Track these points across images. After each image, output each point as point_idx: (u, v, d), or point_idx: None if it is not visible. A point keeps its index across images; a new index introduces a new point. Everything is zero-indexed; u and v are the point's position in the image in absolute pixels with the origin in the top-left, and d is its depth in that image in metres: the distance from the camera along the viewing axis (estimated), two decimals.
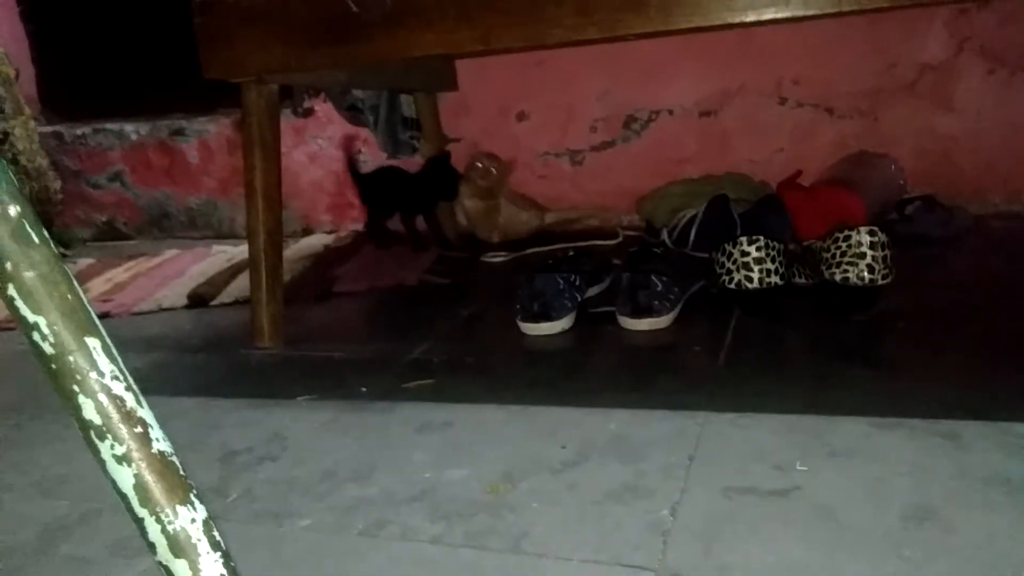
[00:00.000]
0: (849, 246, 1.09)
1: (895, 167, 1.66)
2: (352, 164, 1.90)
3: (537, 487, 0.75)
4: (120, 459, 0.43)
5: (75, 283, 0.45)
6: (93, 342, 0.44)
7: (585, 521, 0.68)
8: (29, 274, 0.43)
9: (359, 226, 2.18)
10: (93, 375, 0.43)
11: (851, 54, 1.72)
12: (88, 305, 0.45)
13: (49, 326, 0.43)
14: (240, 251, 1.89)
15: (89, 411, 0.43)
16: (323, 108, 2.11)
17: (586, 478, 0.76)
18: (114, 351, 0.45)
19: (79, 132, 2.42)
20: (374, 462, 0.83)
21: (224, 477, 0.83)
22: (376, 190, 1.85)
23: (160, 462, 0.44)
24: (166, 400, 1.07)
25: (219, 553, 0.45)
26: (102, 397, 0.43)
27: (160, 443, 0.45)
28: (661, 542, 0.64)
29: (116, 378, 0.44)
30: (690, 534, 0.65)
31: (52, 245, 0.44)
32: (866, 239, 1.08)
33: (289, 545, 0.70)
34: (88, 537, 0.74)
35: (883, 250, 1.08)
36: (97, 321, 0.45)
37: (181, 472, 0.45)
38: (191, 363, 1.24)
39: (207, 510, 0.46)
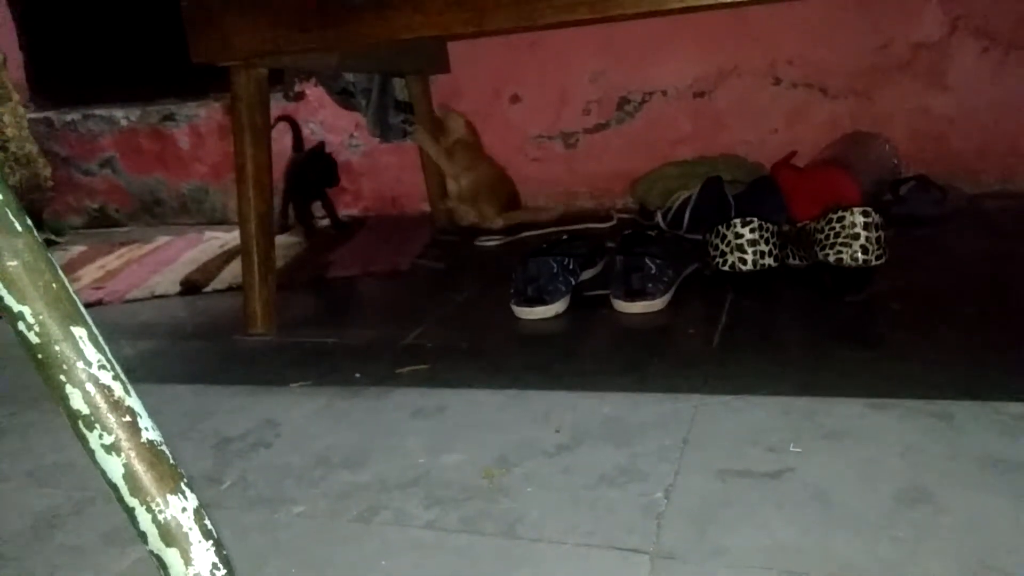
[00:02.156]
0: (843, 227, 1.09)
1: (889, 147, 1.65)
2: (298, 135, 1.99)
3: (532, 471, 0.75)
4: (109, 449, 0.43)
5: (60, 271, 0.45)
6: (79, 331, 0.44)
7: (579, 505, 0.68)
8: (13, 263, 0.42)
9: (353, 211, 2.17)
10: (80, 364, 0.43)
11: (845, 34, 1.71)
12: (73, 294, 0.45)
13: (34, 315, 0.42)
14: (233, 237, 1.88)
15: (76, 401, 0.43)
16: (314, 92, 2.10)
17: (580, 462, 0.76)
18: (101, 340, 0.45)
19: (69, 118, 2.40)
20: (368, 448, 0.83)
21: (218, 464, 0.83)
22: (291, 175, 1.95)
23: (149, 451, 0.44)
24: (159, 387, 1.07)
25: (211, 541, 0.45)
26: (89, 387, 0.43)
27: (149, 432, 0.44)
28: (655, 525, 0.64)
29: (103, 367, 0.44)
30: (684, 517, 0.65)
31: (35, 233, 0.44)
32: (860, 220, 1.08)
33: (283, 532, 0.70)
34: (82, 526, 0.74)
35: (877, 231, 1.08)
36: (83, 310, 0.45)
37: (171, 461, 0.45)
38: (184, 350, 1.23)
39: (198, 498, 0.46)
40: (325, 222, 2.01)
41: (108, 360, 0.44)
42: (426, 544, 0.66)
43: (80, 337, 0.43)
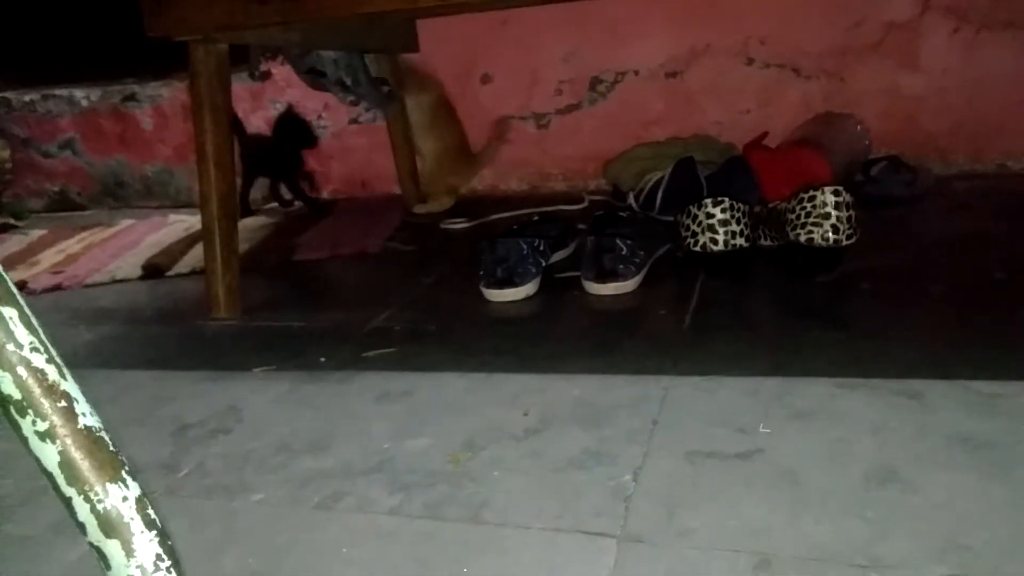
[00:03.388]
0: (814, 206, 1.08)
1: (860, 127, 1.65)
2: (239, 125, 1.90)
3: (499, 455, 0.73)
4: (43, 436, 0.41)
5: None
6: (9, 312, 0.41)
7: (546, 489, 0.67)
8: None
9: (323, 193, 2.13)
10: (10, 347, 0.40)
11: (817, 13, 1.70)
12: (3, 273, 0.42)
13: None
14: (199, 220, 1.83)
15: (7, 385, 0.40)
16: (280, 71, 2.05)
17: (548, 445, 0.74)
18: (34, 321, 0.42)
19: (27, 98, 2.32)
20: (332, 433, 0.81)
21: (176, 451, 0.80)
22: (249, 157, 1.89)
23: (87, 438, 0.41)
24: (118, 373, 1.03)
25: (154, 532, 0.43)
26: (21, 370, 0.40)
27: (87, 417, 0.42)
28: (623, 508, 0.63)
29: (36, 350, 0.41)
30: (652, 499, 0.64)
31: None
32: (831, 199, 1.07)
33: (242, 520, 0.68)
34: (31, 516, 0.71)
35: (847, 210, 1.07)
36: (14, 290, 0.42)
37: (111, 448, 0.43)
38: (144, 335, 1.20)
39: (151, 486, 0.44)
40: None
41: (42, 342, 0.42)
42: (389, 530, 0.64)
43: (10, 318, 0.41)
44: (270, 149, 1.92)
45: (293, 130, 1.91)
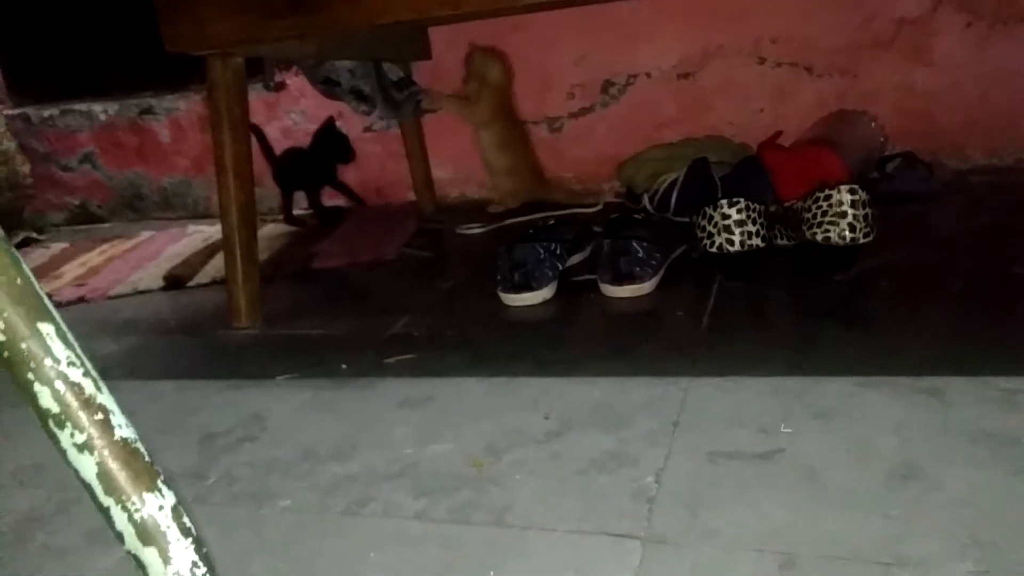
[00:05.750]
0: (830, 205, 1.08)
1: (875, 124, 1.64)
2: (265, 143, 1.95)
3: (521, 459, 0.74)
4: (81, 447, 0.42)
5: (25, 266, 0.43)
6: (47, 327, 0.42)
7: (569, 491, 0.68)
8: None
9: (339, 202, 2.15)
10: (48, 361, 0.42)
11: (829, 10, 1.70)
12: (40, 290, 0.43)
13: None
14: (217, 231, 1.84)
15: (46, 399, 0.41)
16: (295, 82, 2.07)
17: (570, 448, 0.75)
18: (70, 336, 0.43)
19: (46, 114, 2.36)
20: (355, 440, 0.82)
21: (203, 460, 0.82)
22: (285, 172, 1.93)
23: (123, 449, 0.43)
24: (142, 384, 1.05)
25: (190, 539, 0.44)
26: (59, 384, 0.42)
27: (123, 429, 0.43)
28: (646, 509, 0.63)
29: (73, 364, 0.42)
30: (675, 500, 0.64)
31: None
32: (847, 197, 1.07)
33: (270, 526, 0.69)
34: (65, 526, 0.73)
35: (864, 208, 1.07)
36: (51, 306, 0.43)
37: (146, 458, 0.44)
38: (168, 346, 1.22)
39: (180, 495, 0.45)
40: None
41: (78, 356, 0.43)
42: (415, 535, 0.65)
43: (47, 333, 0.42)
44: (305, 160, 1.95)
45: (331, 143, 1.93)
